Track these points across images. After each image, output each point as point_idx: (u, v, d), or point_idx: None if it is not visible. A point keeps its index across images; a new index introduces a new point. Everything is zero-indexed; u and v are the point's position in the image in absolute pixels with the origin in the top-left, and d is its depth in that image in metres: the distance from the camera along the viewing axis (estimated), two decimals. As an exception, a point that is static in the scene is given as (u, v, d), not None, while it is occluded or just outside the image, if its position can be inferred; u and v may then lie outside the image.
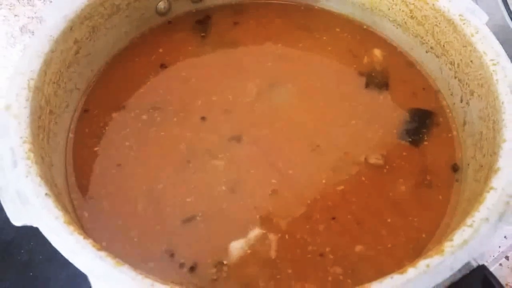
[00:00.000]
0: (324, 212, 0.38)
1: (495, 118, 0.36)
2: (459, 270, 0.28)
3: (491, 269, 0.49)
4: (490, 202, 0.30)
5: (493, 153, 0.34)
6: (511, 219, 0.29)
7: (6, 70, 0.59)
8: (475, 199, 0.32)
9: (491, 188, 0.31)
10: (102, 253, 0.28)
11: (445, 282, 0.28)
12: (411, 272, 0.28)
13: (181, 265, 0.36)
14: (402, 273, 0.28)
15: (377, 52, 0.48)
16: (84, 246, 0.28)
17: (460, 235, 0.29)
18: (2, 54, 0.59)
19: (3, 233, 0.52)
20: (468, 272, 0.29)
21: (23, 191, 0.31)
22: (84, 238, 0.29)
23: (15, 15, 0.59)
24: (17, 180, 0.31)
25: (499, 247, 0.51)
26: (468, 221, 0.29)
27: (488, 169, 0.34)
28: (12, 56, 0.60)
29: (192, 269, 0.36)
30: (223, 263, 0.36)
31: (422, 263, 0.28)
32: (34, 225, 0.30)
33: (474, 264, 0.29)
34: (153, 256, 0.36)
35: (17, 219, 0.30)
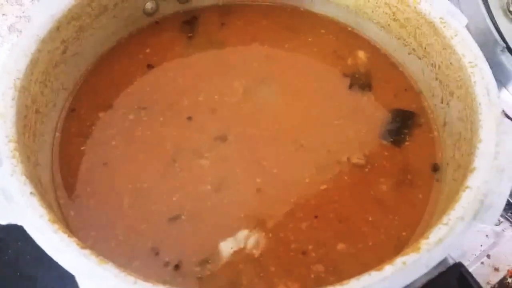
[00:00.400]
0: (307, 211, 0.39)
1: (473, 118, 0.37)
2: (436, 267, 0.29)
3: (473, 267, 0.50)
4: (466, 200, 0.31)
5: (470, 153, 0.35)
6: (485, 217, 0.30)
7: (-6, 69, 0.59)
8: (452, 197, 0.32)
9: (467, 187, 0.32)
10: (86, 251, 0.29)
11: (421, 279, 0.29)
12: (388, 269, 0.28)
13: (166, 264, 0.36)
14: (379, 270, 0.29)
15: (361, 54, 0.48)
16: (68, 244, 0.29)
17: (436, 233, 0.30)
18: (-10, 53, 0.59)
19: (-11, 233, 0.52)
20: (444, 269, 0.30)
21: (8, 190, 0.31)
22: (69, 236, 0.29)
23: (3, 14, 0.59)
24: (2, 179, 0.31)
25: (481, 245, 0.52)
26: (444, 219, 0.30)
27: (465, 169, 0.34)
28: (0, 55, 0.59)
29: (177, 267, 0.36)
30: (207, 261, 0.36)
31: (399, 260, 0.28)
32: (19, 224, 0.30)
33: (451, 262, 0.30)
34: (138, 255, 0.37)
35: (2, 218, 0.30)
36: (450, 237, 0.29)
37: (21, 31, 0.60)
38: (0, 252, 0.51)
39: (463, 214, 0.30)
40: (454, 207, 0.31)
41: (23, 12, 0.60)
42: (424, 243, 0.29)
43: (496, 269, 0.51)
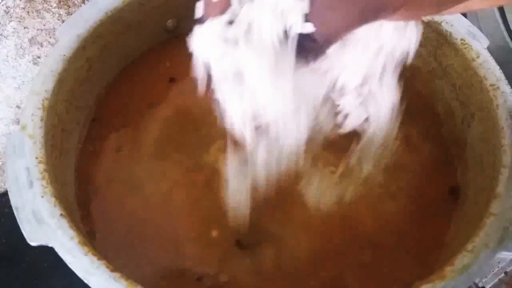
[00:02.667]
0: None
1: (495, 142, 0.37)
2: (460, 293, 0.29)
3: (490, 284, 0.50)
4: (490, 227, 0.31)
5: (493, 178, 0.35)
6: (510, 245, 0.31)
7: (15, 80, 0.60)
8: (475, 223, 0.33)
9: (491, 213, 0.32)
10: (116, 274, 0.29)
11: (445, 305, 0.29)
12: (413, 296, 0.29)
13: (199, 278, 0.36)
14: (405, 296, 0.29)
15: None
16: (98, 266, 0.29)
17: (460, 260, 0.30)
18: (11, 65, 0.60)
19: (8, 240, 0.53)
20: (468, 294, 0.30)
21: (39, 211, 0.32)
22: (98, 259, 0.30)
23: (25, 27, 0.60)
24: (33, 201, 0.32)
25: (498, 262, 0.51)
26: (468, 246, 0.31)
27: (487, 193, 0.35)
28: (20, 67, 0.60)
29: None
30: None
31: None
32: (50, 245, 0.31)
33: (474, 287, 0.30)
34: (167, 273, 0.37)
35: (33, 239, 0.31)
36: (475, 265, 0.29)
37: (42, 44, 0.61)
38: (17, 260, 0.52)
39: (488, 242, 0.31)
40: (478, 234, 0.31)
41: (44, 25, 0.61)
42: (449, 270, 0.29)
43: (513, 287, 0.51)
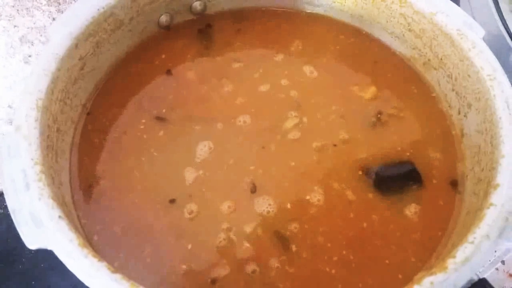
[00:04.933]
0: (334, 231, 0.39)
1: (493, 132, 0.37)
2: (461, 284, 0.29)
3: (487, 273, 0.50)
4: (490, 218, 0.31)
5: (492, 168, 0.35)
6: (511, 235, 0.31)
7: (6, 80, 0.60)
8: (475, 214, 0.33)
9: (491, 204, 0.32)
10: (117, 276, 0.29)
11: (447, 297, 0.29)
12: (416, 289, 0.29)
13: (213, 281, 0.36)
14: (407, 290, 0.29)
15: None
16: (99, 268, 0.29)
17: (462, 252, 0.30)
18: (2, 64, 0.59)
19: (5, 241, 0.53)
20: (469, 286, 0.30)
21: (37, 214, 0.31)
22: (99, 260, 0.29)
23: (15, 26, 0.59)
24: (30, 203, 0.32)
25: (495, 251, 0.52)
26: (470, 237, 0.31)
27: (487, 184, 0.35)
28: (11, 66, 0.60)
29: (213, 282, 0.36)
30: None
31: (426, 281, 0.29)
32: (49, 248, 0.30)
33: (475, 278, 0.31)
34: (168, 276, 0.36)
35: (32, 243, 0.30)
36: (477, 256, 0.30)
37: (32, 42, 0.60)
38: (14, 261, 0.52)
39: (488, 232, 0.31)
40: (479, 225, 0.31)
41: (34, 23, 0.60)
42: (451, 263, 0.29)
43: (511, 275, 0.51)
